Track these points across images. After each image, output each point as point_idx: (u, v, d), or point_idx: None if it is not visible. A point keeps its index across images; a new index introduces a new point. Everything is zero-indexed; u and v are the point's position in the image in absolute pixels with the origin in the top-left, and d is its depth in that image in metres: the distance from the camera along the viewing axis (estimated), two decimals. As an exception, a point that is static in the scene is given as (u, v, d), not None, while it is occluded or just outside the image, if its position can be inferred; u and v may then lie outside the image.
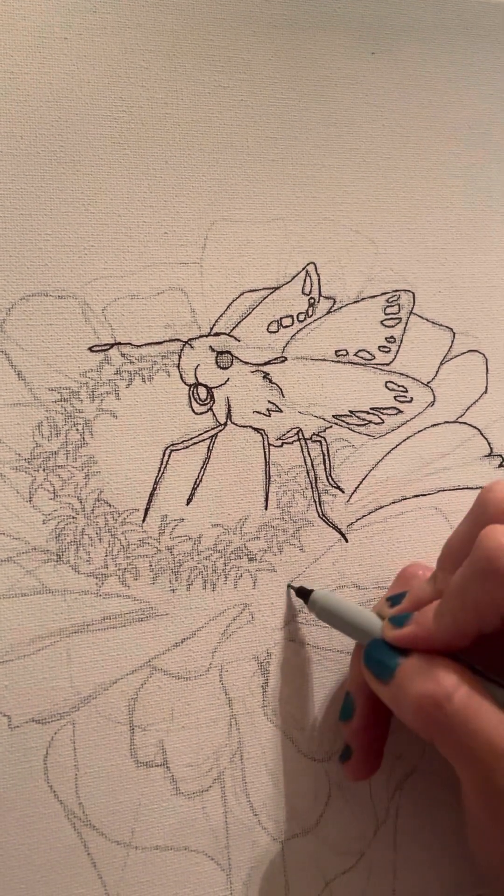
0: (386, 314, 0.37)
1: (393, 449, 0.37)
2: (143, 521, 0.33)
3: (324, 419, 0.36)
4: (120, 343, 0.33)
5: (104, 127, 0.33)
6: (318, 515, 0.36)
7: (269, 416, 0.35)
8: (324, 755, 0.35)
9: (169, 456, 0.34)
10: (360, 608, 0.32)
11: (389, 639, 0.30)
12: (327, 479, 0.36)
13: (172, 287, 0.34)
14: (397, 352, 0.37)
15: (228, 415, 0.34)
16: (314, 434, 0.36)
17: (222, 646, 0.34)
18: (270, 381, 0.35)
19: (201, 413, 0.34)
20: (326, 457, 0.36)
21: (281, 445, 0.35)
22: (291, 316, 0.35)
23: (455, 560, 0.30)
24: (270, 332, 0.35)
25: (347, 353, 0.36)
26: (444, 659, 0.28)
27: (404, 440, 0.37)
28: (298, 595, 0.34)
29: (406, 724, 0.29)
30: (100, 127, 0.33)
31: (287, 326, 0.35)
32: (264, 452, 0.35)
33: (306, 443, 0.35)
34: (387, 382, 0.37)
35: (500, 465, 0.38)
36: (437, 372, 0.37)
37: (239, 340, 0.35)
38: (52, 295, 0.32)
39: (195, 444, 0.34)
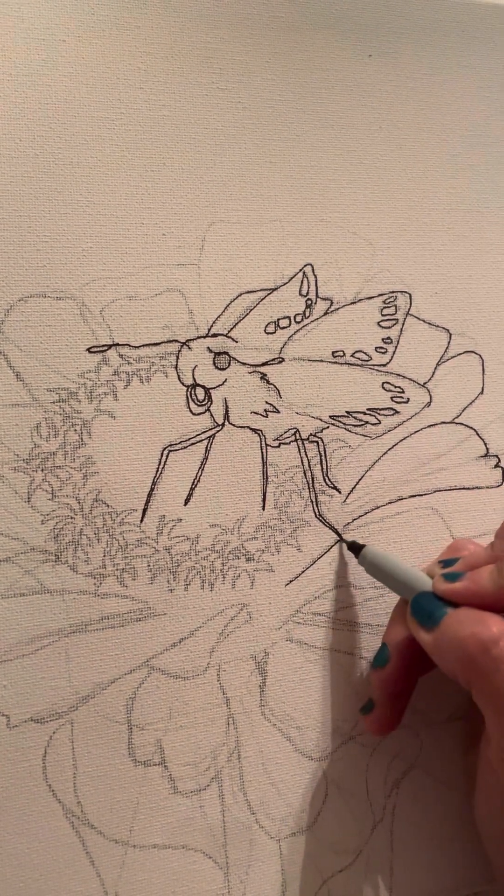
0: (383, 315, 0.37)
1: (389, 449, 0.37)
2: (142, 521, 0.33)
3: (321, 420, 0.36)
4: (118, 344, 0.33)
5: (102, 129, 0.33)
6: (315, 516, 0.36)
7: (267, 416, 0.35)
8: (321, 754, 0.35)
9: (167, 456, 0.34)
10: (408, 565, 0.34)
11: (441, 591, 0.31)
12: (324, 480, 0.36)
13: (170, 288, 0.34)
14: (394, 353, 0.37)
15: (226, 415, 0.35)
16: (311, 435, 0.36)
17: (220, 645, 0.34)
18: (268, 381, 0.35)
19: (199, 414, 0.34)
20: (323, 457, 0.36)
21: (278, 446, 0.35)
22: (289, 317, 0.36)
23: None
24: (268, 334, 0.35)
25: (344, 353, 0.36)
26: (491, 613, 0.30)
27: (401, 441, 0.37)
28: (350, 549, 0.35)
29: (445, 670, 0.30)
30: (98, 129, 0.33)
31: (284, 327, 0.35)
32: (262, 453, 0.35)
33: (303, 443, 0.36)
34: (383, 383, 0.37)
35: (497, 466, 0.39)
36: (433, 373, 0.38)
37: (236, 341, 0.35)
38: (51, 296, 0.32)
39: (193, 444, 0.34)
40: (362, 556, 0.35)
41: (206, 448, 0.34)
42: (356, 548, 0.35)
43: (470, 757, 0.36)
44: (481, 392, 0.38)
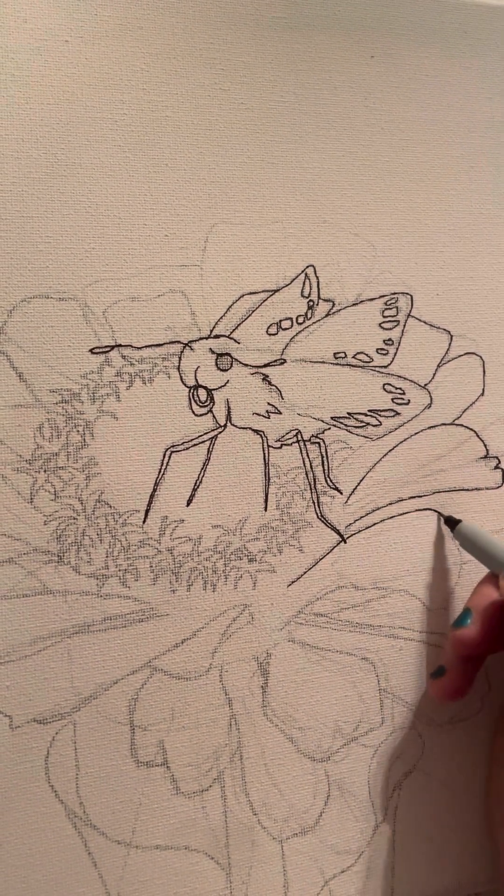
0: (384, 317, 0.37)
1: (390, 451, 0.37)
2: (144, 522, 0.33)
3: (322, 421, 0.36)
4: (120, 345, 0.33)
5: (105, 130, 0.33)
6: (317, 516, 0.36)
7: (269, 417, 0.35)
8: (323, 755, 0.35)
9: (169, 457, 0.34)
10: (501, 542, 0.36)
11: None
12: (326, 481, 0.36)
13: (173, 289, 0.34)
14: (395, 354, 0.37)
15: (228, 416, 0.35)
16: (313, 436, 0.36)
17: (222, 646, 0.34)
18: (270, 383, 0.35)
19: (201, 415, 0.34)
20: (325, 458, 0.36)
21: (280, 447, 0.35)
22: (291, 318, 0.36)
23: None
24: (270, 335, 0.35)
25: (346, 355, 0.36)
26: None
27: (402, 442, 0.37)
28: (447, 523, 0.37)
29: None
30: (100, 130, 0.33)
31: (286, 329, 0.36)
32: (264, 454, 0.35)
33: (305, 444, 0.36)
34: (385, 385, 0.37)
35: (497, 467, 0.39)
36: (434, 374, 0.38)
37: (239, 343, 0.35)
38: (53, 297, 0.32)
39: (195, 445, 0.34)
40: (457, 530, 0.37)
41: (209, 449, 0.34)
42: (452, 522, 0.37)
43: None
44: (482, 394, 0.39)
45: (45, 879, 0.32)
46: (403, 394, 0.37)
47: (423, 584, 0.37)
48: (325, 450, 0.36)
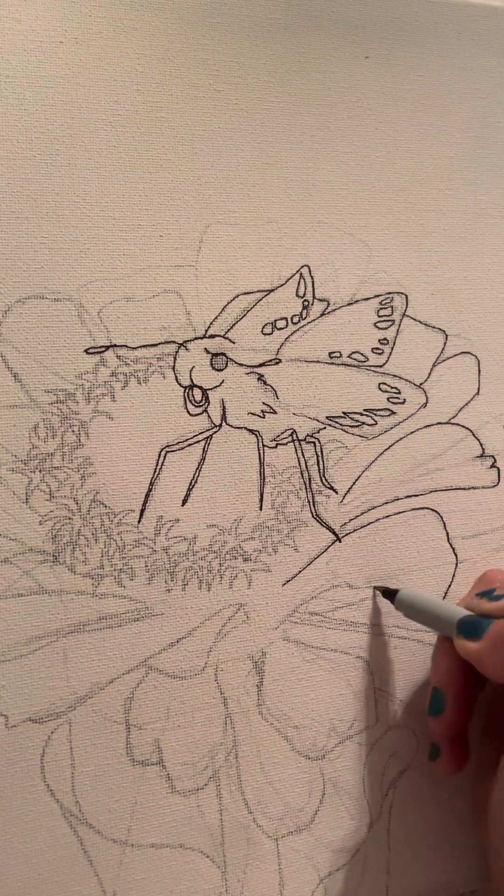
0: (379, 316, 0.37)
1: (386, 450, 0.37)
2: (139, 521, 0.34)
3: (318, 420, 0.36)
4: (115, 345, 0.33)
5: (99, 130, 0.33)
6: (312, 516, 0.36)
7: (264, 417, 0.35)
8: (318, 753, 0.36)
9: (164, 457, 0.34)
10: (445, 602, 0.35)
11: (488, 609, 0.33)
12: (321, 480, 0.36)
13: (168, 290, 0.34)
14: (390, 354, 0.37)
15: (223, 416, 0.35)
16: (308, 435, 0.36)
17: (217, 645, 0.34)
18: (265, 382, 0.35)
19: (196, 415, 0.34)
20: (320, 458, 0.36)
21: (275, 447, 0.35)
22: (286, 318, 0.36)
23: None
24: (265, 335, 0.35)
25: (341, 354, 0.36)
26: None
27: (397, 441, 0.37)
28: (385, 596, 0.36)
29: (493, 673, 0.31)
30: (95, 130, 0.33)
31: (281, 329, 0.36)
32: (259, 453, 0.35)
33: (300, 444, 0.36)
34: (380, 384, 0.37)
35: (492, 466, 0.39)
36: (429, 374, 0.38)
37: (234, 342, 0.35)
38: (48, 298, 0.33)
39: (190, 445, 0.34)
40: (398, 600, 0.35)
41: (204, 449, 0.34)
42: (390, 593, 0.36)
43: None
44: (477, 393, 0.39)
45: (40, 878, 0.32)
46: (399, 393, 0.37)
47: (417, 583, 0.37)
48: (321, 449, 0.36)
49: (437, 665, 0.35)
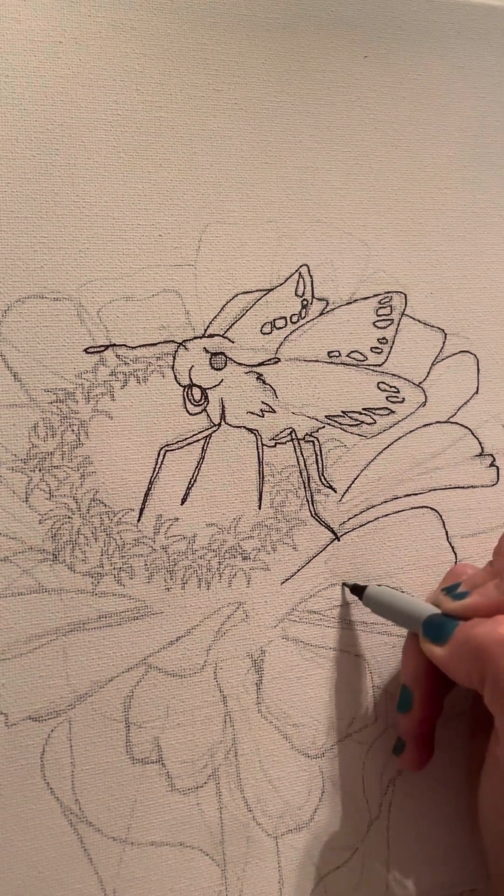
0: (378, 315, 0.37)
1: (385, 449, 0.37)
2: (139, 520, 0.34)
3: (316, 419, 0.36)
4: (115, 345, 0.33)
5: (99, 130, 0.33)
6: (311, 515, 0.36)
7: (263, 416, 0.35)
8: (317, 752, 0.36)
9: (164, 456, 0.34)
10: (413, 598, 0.34)
11: (450, 609, 0.32)
12: (320, 479, 0.36)
13: (167, 289, 0.34)
14: (389, 353, 0.37)
15: (222, 415, 0.35)
16: (307, 434, 0.36)
17: (217, 644, 0.34)
18: (264, 382, 0.35)
19: (195, 414, 0.34)
20: (319, 457, 0.36)
21: (274, 445, 0.36)
22: (285, 317, 0.36)
23: None
24: (264, 334, 0.35)
25: (340, 354, 0.37)
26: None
27: (396, 440, 0.37)
28: (353, 592, 0.36)
29: (458, 678, 0.31)
30: (94, 130, 0.33)
31: (280, 328, 0.36)
32: (258, 452, 0.35)
33: (299, 443, 0.36)
34: (379, 383, 0.37)
35: (491, 465, 0.39)
36: (428, 372, 0.38)
37: (233, 342, 0.35)
38: (48, 297, 0.33)
39: (189, 444, 0.34)
40: (366, 596, 0.35)
41: (203, 448, 0.35)
42: (359, 589, 0.36)
43: (474, 758, 0.36)
44: (476, 391, 0.39)
45: (40, 876, 0.32)
46: (398, 392, 0.37)
47: (416, 581, 0.37)
48: (320, 448, 0.36)
49: (405, 662, 0.34)
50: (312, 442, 0.36)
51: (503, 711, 0.29)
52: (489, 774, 0.32)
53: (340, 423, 0.36)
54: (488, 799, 0.32)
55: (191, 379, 0.34)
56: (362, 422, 0.37)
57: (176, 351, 0.34)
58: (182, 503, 0.34)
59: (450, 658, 0.31)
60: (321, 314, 0.36)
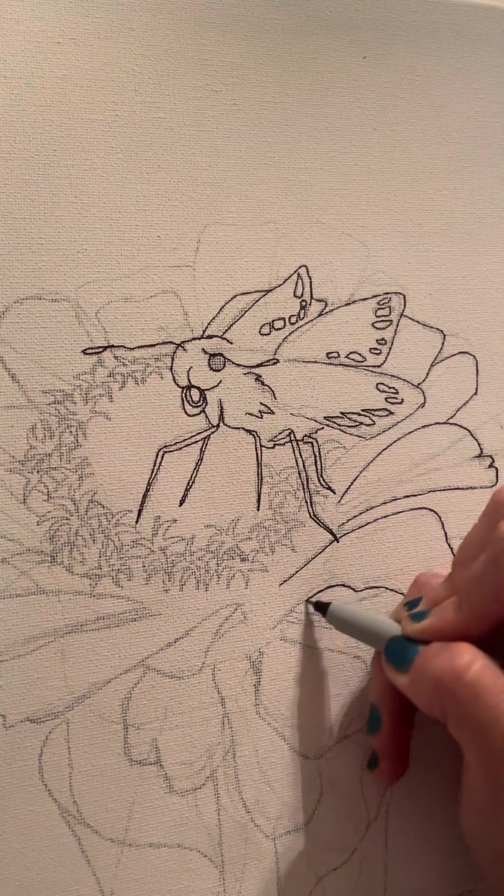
0: (377, 316, 0.37)
1: (384, 450, 0.37)
2: (137, 522, 0.34)
3: (315, 421, 0.36)
4: (113, 346, 0.33)
5: (97, 131, 0.33)
6: (310, 516, 0.36)
7: (262, 417, 0.35)
8: (315, 753, 0.36)
9: (162, 457, 0.34)
10: (376, 615, 0.34)
11: (409, 632, 0.31)
12: (319, 480, 0.36)
13: (165, 290, 0.34)
14: (388, 354, 0.37)
15: (221, 417, 0.35)
16: (306, 435, 0.36)
17: (215, 645, 0.34)
18: (262, 383, 0.35)
19: (194, 415, 0.34)
20: (318, 458, 0.36)
21: (273, 447, 0.35)
22: (283, 318, 0.36)
23: (472, 556, 0.31)
24: (262, 335, 0.35)
25: (339, 355, 0.36)
26: (461, 642, 0.29)
27: (395, 441, 0.37)
28: (317, 609, 0.35)
29: (421, 708, 0.30)
30: (92, 131, 0.33)
31: (279, 329, 0.36)
32: (256, 454, 0.35)
33: (298, 444, 0.36)
34: (378, 384, 0.37)
35: (490, 466, 0.39)
36: (427, 373, 0.38)
37: (231, 343, 0.35)
38: (46, 298, 0.33)
39: (188, 445, 0.34)
40: (329, 614, 0.34)
41: (201, 449, 0.34)
42: (322, 607, 0.35)
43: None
44: (475, 393, 0.39)
45: (38, 878, 0.32)
46: (397, 393, 0.37)
47: (415, 583, 0.37)
48: (318, 449, 0.36)
49: (374, 680, 0.34)
50: (311, 443, 0.36)
51: (467, 744, 0.28)
52: (466, 802, 0.31)
53: (339, 425, 0.36)
54: (469, 822, 0.31)
55: (189, 380, 0.34)
56: (361, 423, 0.37)
57: (174, 352, 0.34)
58: (180, 504, 0.34)
59: (411, 686, 0.30)
60: (320, 315, 0.36)
